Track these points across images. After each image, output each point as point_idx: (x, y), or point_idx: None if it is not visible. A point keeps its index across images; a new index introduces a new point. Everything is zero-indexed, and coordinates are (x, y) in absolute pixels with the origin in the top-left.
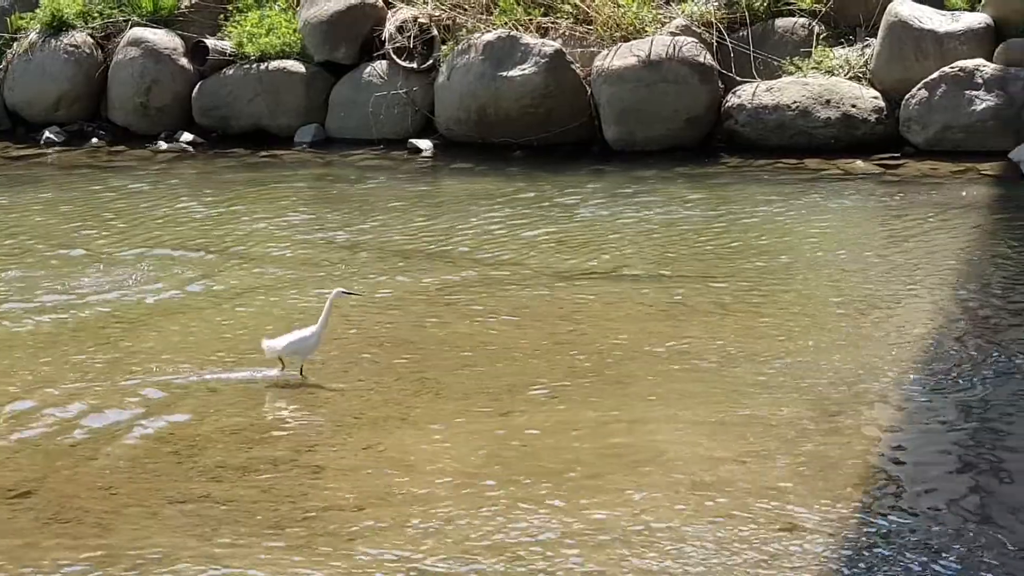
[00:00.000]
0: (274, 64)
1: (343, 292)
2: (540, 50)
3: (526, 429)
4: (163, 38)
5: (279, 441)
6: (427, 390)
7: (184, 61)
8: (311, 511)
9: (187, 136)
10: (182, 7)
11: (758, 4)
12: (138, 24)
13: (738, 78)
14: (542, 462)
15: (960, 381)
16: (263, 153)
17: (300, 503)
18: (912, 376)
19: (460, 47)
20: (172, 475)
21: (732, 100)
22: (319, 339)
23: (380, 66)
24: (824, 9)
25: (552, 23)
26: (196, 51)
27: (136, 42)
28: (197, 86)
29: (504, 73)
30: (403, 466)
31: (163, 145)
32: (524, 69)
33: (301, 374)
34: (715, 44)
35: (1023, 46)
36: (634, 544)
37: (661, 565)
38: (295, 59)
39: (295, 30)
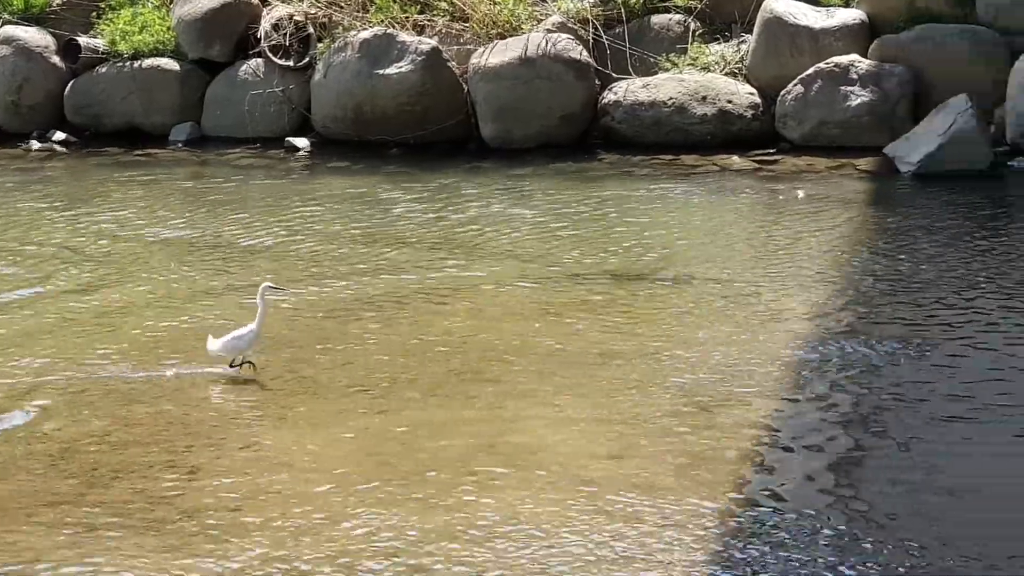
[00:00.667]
0: (148, 62)
1: (270, 286)
2: (416, 48)
3: (403, 427)
4: (34, 36)
5: (155, 442)
6: (305, 390)
7: (56, 59)
8: (188, 512)
9: (59, 135)
10: (54, 5)
11: (634, 1)
12: (9, 22)
13: (614, 75)
14: (419, 460)
15: (835, 375)
16: (137, 152)
17: (177, 504)
18: (788, 370)
19: (336, 45)
20: (46, 477)
21: (608, 97)
22: (257, 335)
23: (256, 64)
24: (700, 6)
25: (428, 21)
26: (68, 49)
27: (7, 40)
28: (69, 84)
29: (380, 71)
30: (281, 466)
31: (35, 144)
32: (401, 67)
33: (232, 365)
34: (591, 41)
35: (897, 42)
36: (510, 540)
37: (537, 561)
38: (169, 57)
39: (169, 28)
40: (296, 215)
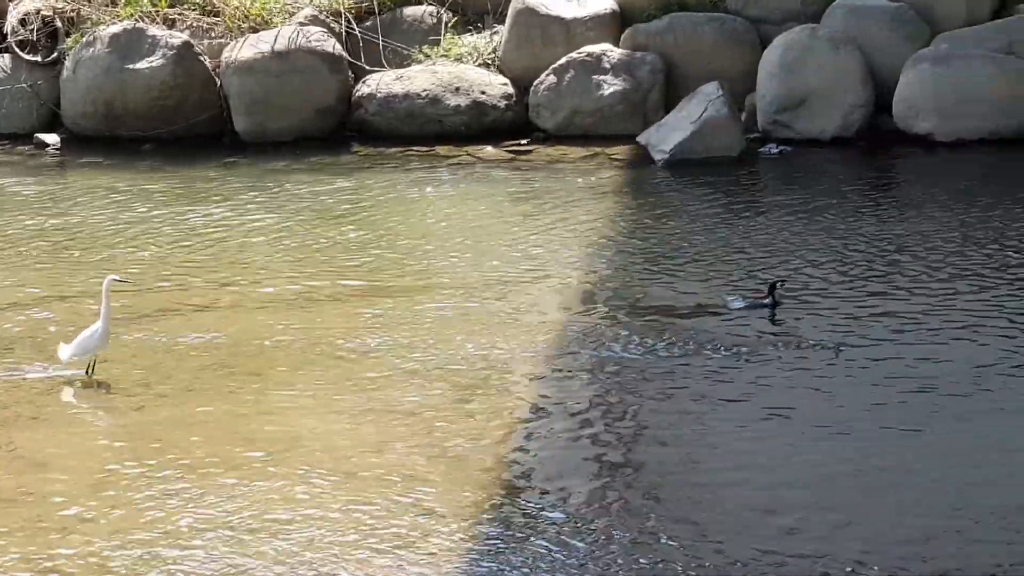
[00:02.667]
0: None
1: (115, 279)
2: (168, 42)
3: (162, 423)
4: None
5: None
6: (58, 388)
7: None
8: None
9: None
10: None
11: None
12: None
13: (368, 67)
14: (177, 455)
15: (593, 364)
16: None
17: None
18: (545, 360)
19: (85, 39)
20: None
21: (362, 89)
22: (104, 332)
23: (2, 60)
24: None
25: (179, 15)
26: None
27: None
28: None
29: (131, 66)
30: (35, 465)
31: None
32: (151, 61)
33: (87, 374)
34: (344, 34)
35: (648, 31)
36: (272, 532)
37: (301, 552)
38: None
39: None
40: (48, 212)
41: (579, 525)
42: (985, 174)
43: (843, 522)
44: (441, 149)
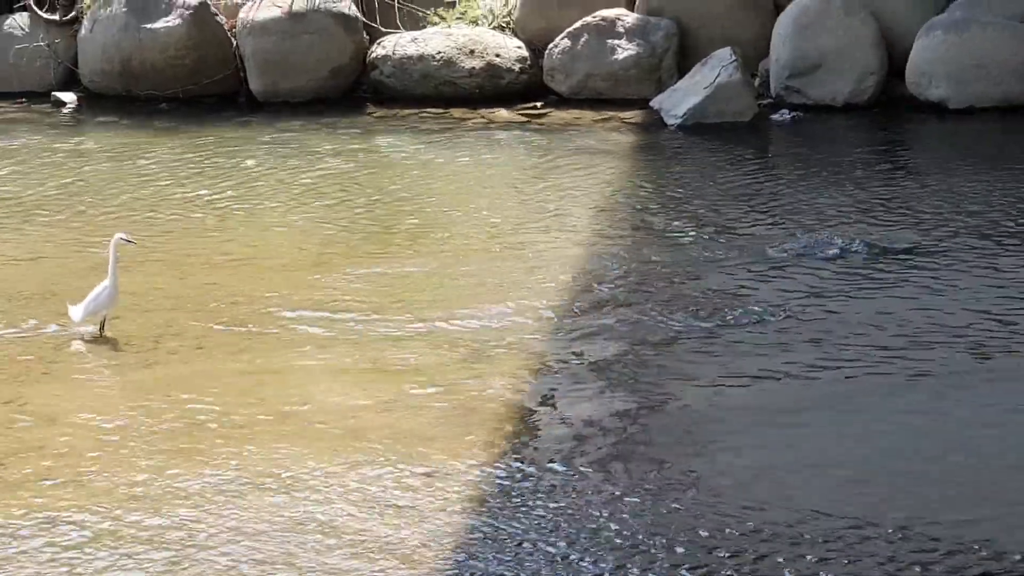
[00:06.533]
0: None
1: (122, 238)
2: (184, 2)
3: (171, 381)
4: None
5: None
6: (69, 344)
7: None
8: None
9: None
10: None
11: None
12: None
13: (383, 29)
14: (187, 413)
15: (605, 324)
16: None
17: None
18: (557, 321)
19: None
20: None
21: (377, 51)
22: (113, 290)
23: (21, 18)
24: None
25: None
26: None
27: None
28: None
29: (148, 25)
30: (45, 419)
31: None
32: (168, 21)
33: (101, 332)
34: None
35: None
36: (280, 492)
37: (306, 513)
38: None
39: None
40: (65, 170)
41: (589, 485)
42: (1000, 141)
43: None
44: (455, 111)
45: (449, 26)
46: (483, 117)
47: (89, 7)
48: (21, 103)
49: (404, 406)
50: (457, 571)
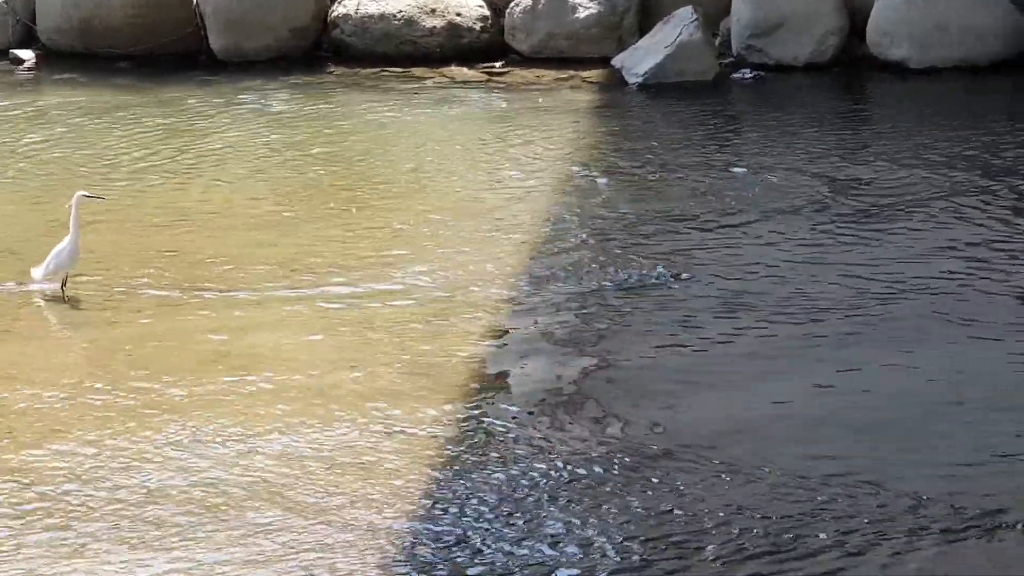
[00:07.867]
0: None
1: (85, 195)
2: None
3: (134, 338)
4: None
5: None
6: (30, 303)
7: None
8: None
9: None
10: None
11: None
12: None
13: None
14: (149, 371)
15: (568, 286)
16: None
17: None
18: (519, 278)
19: None
20: None
21: (338, 10)
22: (75, 249)
23: None
24: None
25: None
26: None
27: None
28: None
29: None
30: (6, 378)
31: None
32: None
33: (62, 291)
34: None
35: None
36: (242, 449)
37: (269, 470)
38: None
39: None
40: (23, 128)
41: (556, 444)
42: (962, 100)
43: None
44: (416, 70)
45: None
46: (444, 76)
47: None
48: None
49: (366, 364)
50: (419, 527)
